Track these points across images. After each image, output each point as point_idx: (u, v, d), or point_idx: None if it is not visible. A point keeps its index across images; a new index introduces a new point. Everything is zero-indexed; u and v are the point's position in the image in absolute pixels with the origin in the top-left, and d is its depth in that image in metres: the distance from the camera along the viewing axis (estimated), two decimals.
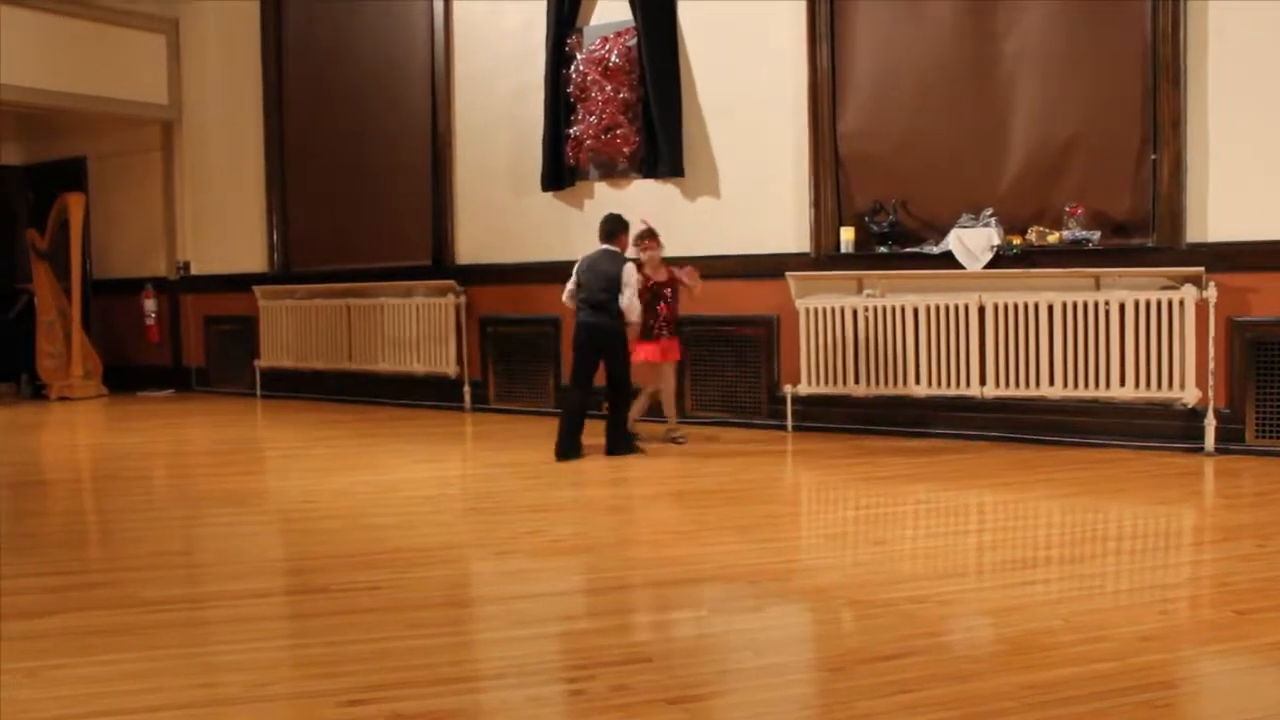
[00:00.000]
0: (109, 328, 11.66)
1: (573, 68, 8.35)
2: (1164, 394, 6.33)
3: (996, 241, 6.75)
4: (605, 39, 8.21)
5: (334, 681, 2.86)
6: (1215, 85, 6.23)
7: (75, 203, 10.81)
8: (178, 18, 11.06)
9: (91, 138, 11.69)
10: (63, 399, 10.62)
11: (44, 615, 3.49)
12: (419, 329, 9.33)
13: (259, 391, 10.56)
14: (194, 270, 11.20)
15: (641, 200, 7.92)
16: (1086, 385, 6.52)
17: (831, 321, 7.24)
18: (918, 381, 7.00)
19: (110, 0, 10.55)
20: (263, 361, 10.48)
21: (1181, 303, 6.25)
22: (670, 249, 7.02)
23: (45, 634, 3.30)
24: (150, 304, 11.18)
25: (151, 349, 11.38)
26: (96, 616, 3.48)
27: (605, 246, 6.64)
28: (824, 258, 7.41)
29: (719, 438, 6.67)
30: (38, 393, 10.85)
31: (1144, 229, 6.51)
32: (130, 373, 11.40)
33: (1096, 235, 6.56)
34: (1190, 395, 6.26)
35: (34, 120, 11.68)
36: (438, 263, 9.35)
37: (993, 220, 6.80)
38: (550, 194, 8.58)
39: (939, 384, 6.94)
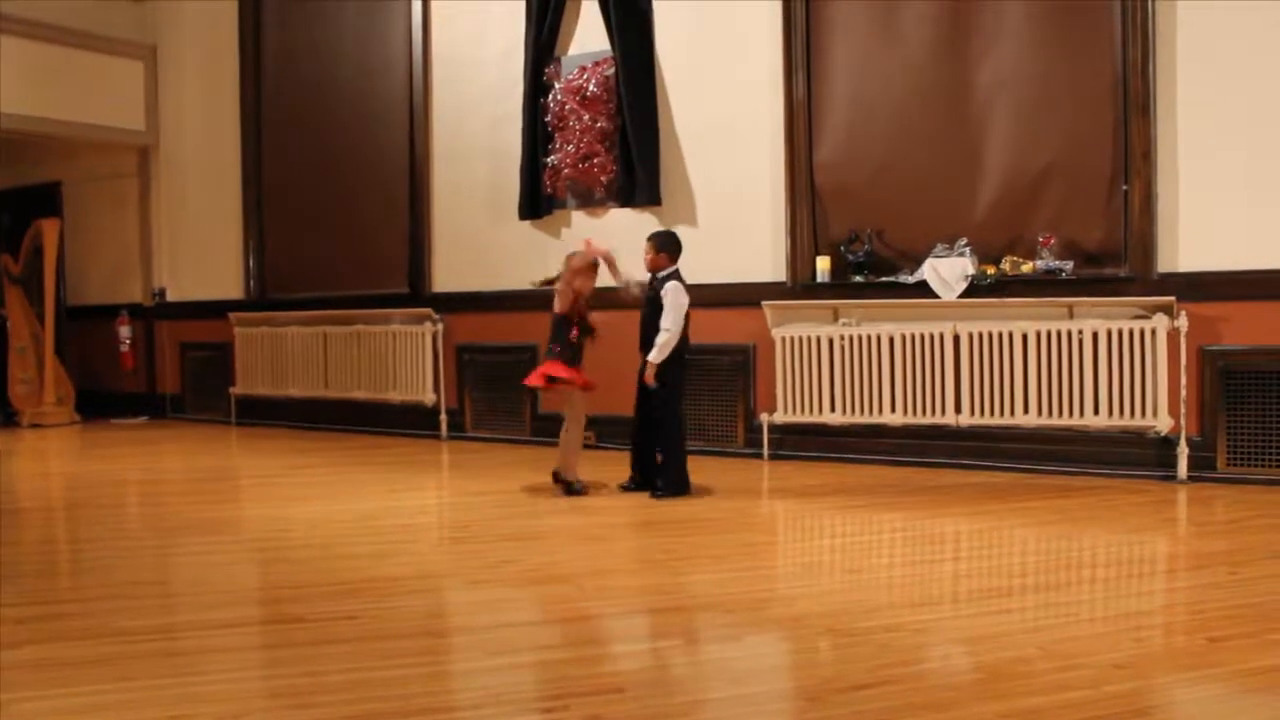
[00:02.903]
0: (83, 354, 11.57)
1: (550, 97, 8.39)
2: (1137, 422, 6.39)
3: (971, 271, 6.81)
4: (583, 68, 8.26)
5: (309, 712, 2.85)
6: (1185, 117, 6.33)
7: (50, 228, 10.76)
8: (156, 44, 11.05)
9: (67, 163, 11.65)
10: (34, 426, 10.52)
11: (14, 647, 3.45)
12: (396, 357, 9.31)
13: (234, 419, 10.50)
14: (170, 297, 11.15)
15: (619, 229, 7.95)
16: (1060, 414, 6.57)
17: (807, 350, 7.27)
18: (893, 410, 7.04)
19: (88, 25, 10.53)
20: (238, 389, 10.43)
21: (1154, 332, 6.32)
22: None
23: (15, 665, 3.26)
24: (125, 330, 11.12)
25: (126, 376, 11.31)
26: (68, 647, 3.45)
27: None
28: (800, 287, 7.46)
29: (694, 466, 6.66)
30: (9, 419, 10.74)
31: (1116, 259, 6.59)
32: (104, 400, 11.33)
33: (1069, 265, 6.63)
34: (1163, 423, 6.32)
35: (9, 145, 11.59)
36: (415, 290, 9.34)
37: (967, 250, 6.86)
38: (527, 223, 8.60)
39: (914, 412, 6.98)
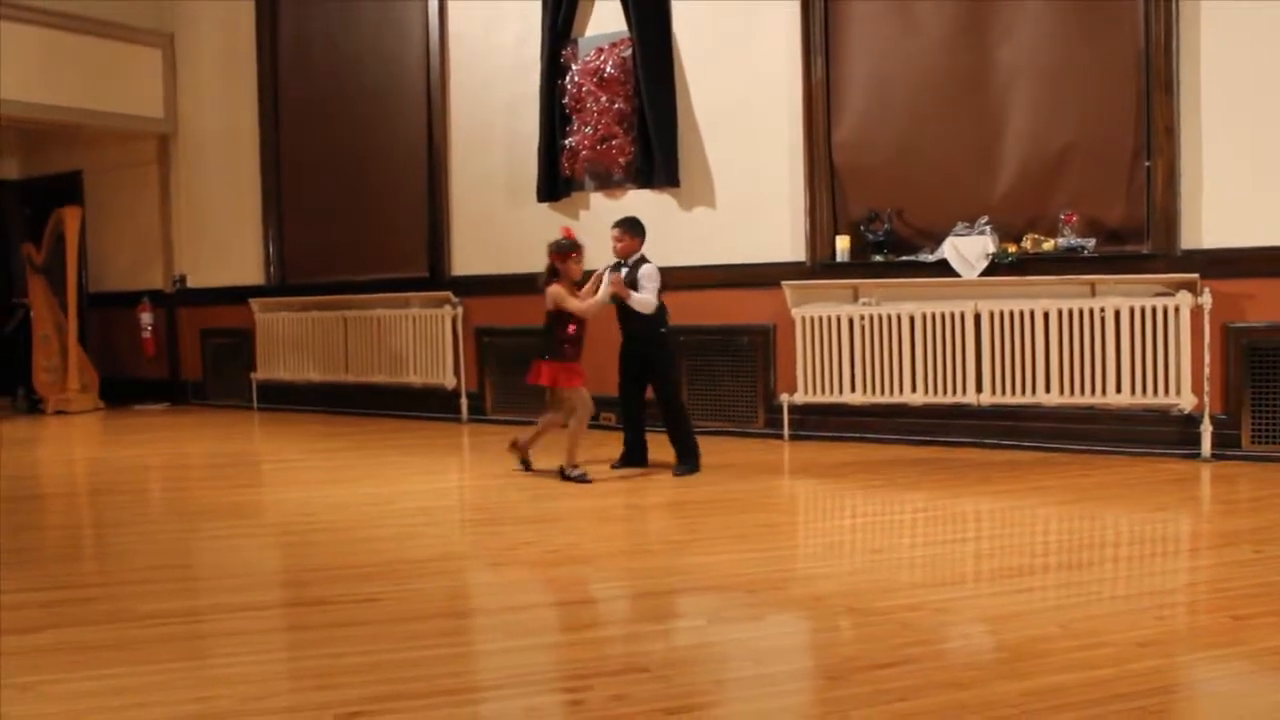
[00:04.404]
0: (105, 341, 11.67)
1: (568, 79, 8.37)
2: (1160, 400, 6.34)
3: (991, 249, 6.76)
4: (600, 50, 8.23)
5: (331, 694, 2.86)
6: (1208, 93, 6.26)
7: (71, 216, 10.81)
8: (174, 32, 11.08)
9: (88, 151, 11.72)
10: (59, 413, 10.61)
11: (39, 630, 3.48)
12: (416, 341, 9.34)
13: (256, 404, 10.55)
14: (190, 283, 11.21)
15: (637, 210, 7.91)
16: (1082, 392, 6.53)
17: (827, 330, 7.25)
18: (914, 389, 7.01)
19: (107, 14, 10.56)
20: (259, 374, 10.49)
21: (1177, 309, 6.27)
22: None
23: (41, 649, 3.29)
24: (147, 317, 11.19)
25: (148, 362, 11.39)
26: (92, 631, 3.47)
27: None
28: (819, 266, 7.43)
29: (714, 447, 6.65)
30: (34, 406, 10.84)
31: (1138, 236, 6.53)
32: (127, 386, 11.40)
33: (1091, 242, 6.58)
34: (1186, 401, 6.27)
35: (30, 134, 11.70)
36: (434, 274, 9.36)
37: (988, 228, 6.81)
38: (546, 205, 8.59)
39: (935, 392, 6.95)
